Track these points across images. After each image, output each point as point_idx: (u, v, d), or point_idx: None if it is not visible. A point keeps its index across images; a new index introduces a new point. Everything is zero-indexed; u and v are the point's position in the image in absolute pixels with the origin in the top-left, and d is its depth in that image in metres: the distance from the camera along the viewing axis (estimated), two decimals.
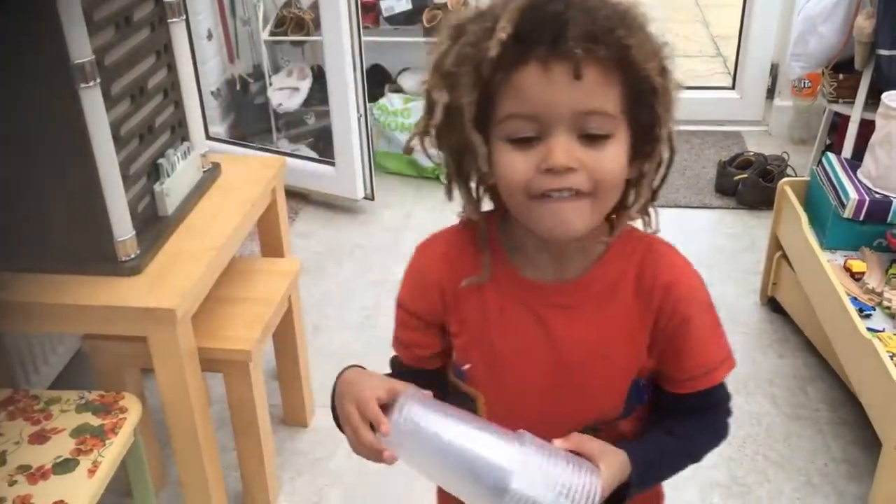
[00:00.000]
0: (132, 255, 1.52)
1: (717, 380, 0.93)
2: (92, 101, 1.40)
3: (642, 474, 0.87)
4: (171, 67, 1.73)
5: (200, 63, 3.21)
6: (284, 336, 1.97)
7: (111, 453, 1.41)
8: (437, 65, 0.83)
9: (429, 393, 0.86)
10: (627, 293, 0.88)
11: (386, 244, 2.92)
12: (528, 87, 0.78)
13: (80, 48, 1.37)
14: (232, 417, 1.76)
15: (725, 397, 0.97)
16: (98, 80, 1.40)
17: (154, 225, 1.63)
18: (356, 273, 2.76)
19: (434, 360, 0.98)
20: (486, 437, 0.82)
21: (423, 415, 0.82)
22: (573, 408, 0.91)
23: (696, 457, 0.96)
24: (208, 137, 3.21)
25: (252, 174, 1.90)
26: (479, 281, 0.90)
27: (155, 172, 1.66)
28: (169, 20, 1.70)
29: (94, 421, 1.47)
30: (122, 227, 1.50)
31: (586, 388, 0.90)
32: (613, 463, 0.85)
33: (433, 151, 0.88)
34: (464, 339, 0.93)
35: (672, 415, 0.94)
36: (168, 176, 1.67)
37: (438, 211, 3.12)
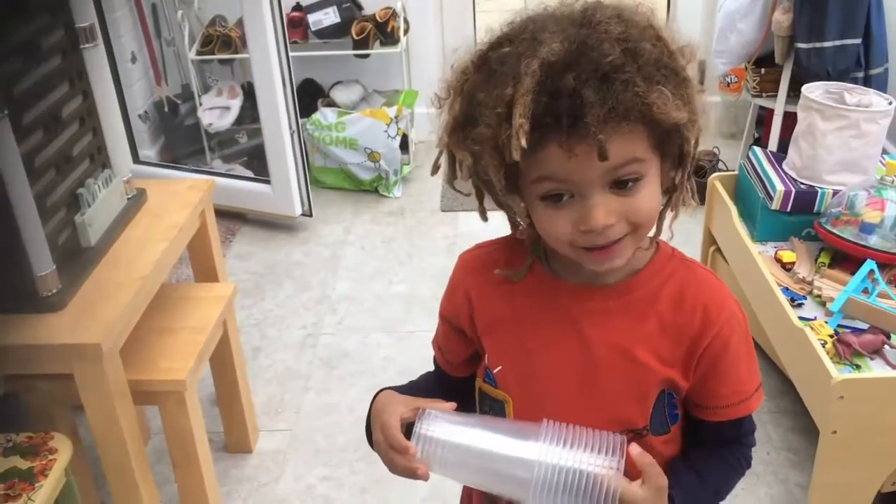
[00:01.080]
0: (53, 290, 1.47)
1: (750, 410, 0.92)
2: (1, 132, 1.35)
3: None
4: (87, 94, 1.69)
5: (126, 87, 3.14)
6: (222, 361, 1.93)
7: (41, 496, 1.36)
8: (453, 129, 0.82)
9: (451, 405, 0.89)
10: (665, 306, 0.88)
11: (326, 260, 2.89)
12: (552, 163, 0.77)
13: None
14: (170, 449, 1.72)
15: (752, 429, 0.96)
16: (6, 112, 1.35)
17: (76, 257, 1.58)
18: (296, 291, 2.72)
19: (462, 368, 1.01)
20: (502, 437, 0.85)
21: (440, 426, 0.86)
22: (600, 412, 0.89)
23: (721, 494, 0.95)
24: (138, 161, 3.15)
25: (179, 198, 1.86)
26: (511, 276, 0.91)
27: (75, 203, 1.62)
28: (82, 46, 1.65)
29: (23, 464, 1.42)
30: (42, 261, 1.46)
31: (613, 391, 0.89)
32: (653, 484, 0.83)
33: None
34: (495, 339, 0.94)
35: (702, 446, 0.94)
36: (89, 206, 1.62)
37: (378, 223, 3.11)
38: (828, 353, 1.69)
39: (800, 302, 1.92)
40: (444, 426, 0.86)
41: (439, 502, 1.86)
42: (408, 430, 0.87)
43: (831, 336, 1.77)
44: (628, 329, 0.88)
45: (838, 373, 1.62)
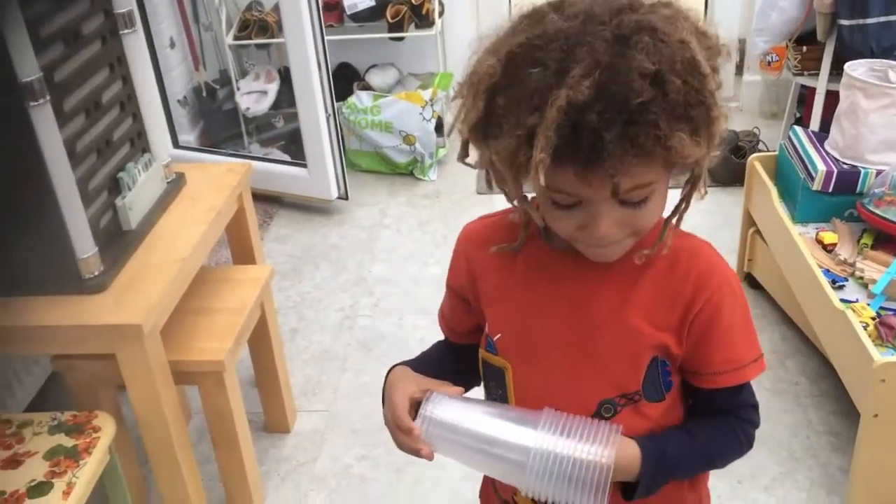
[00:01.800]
0: (96, 273, 1.50)
1: (745, 378, 0.92)
2: (43, 118, 1.38)
3: (654, 467, 0.88)
4: (127, 79, 1.71)
5: (165, 72, 3.18)
6: (260, 343, 1.96)
7: (86, 474, 1.40)
8: (473, 125, 0.81)
9: (459, 390, 0.93)
10: (659, 273, 0.90)
11: (362, 243, 2.91)
12: (567, 184, 0.78)
13: (27, 65, 1.34)
14: (210, 429, 1.75)
15: (752, 403, 0.96)
16: (48, 97, 1.37)
17: (118, 240, 1.61)
18: (333, 274, 2.74)
19: (467, 338, 1.03)
20: (503, 423, 0.89)
21: (445, 409, 0.90)
22: (594, 375, 0.91)
23: (713, 460, 0.96)
24: (177, 146, 3.19)
25: (217, 182, 1.88)
26: (509, 248, 0.94)
27: (116, 187, 1.64)
28: (121, 31, 1.67)
29: (68, 442, 1.46)
30: (84, 244, 1.48)
31: (607, 354, 0.91)
32: (623, 450, 0.86)
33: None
34: (495, 308, 0.97)
35: (696, 414, 0.95)
36: (129, 189, 1.65)
37: (413, 206, 3.12)
38: (869, 336, 1.67)
39: (841, 284, 1.89)
40: (448, 410, 0.90)
41: (473, 481, 1.87)
42: (417, 408, 0.91)
43: (873, 318, 1.74)
44: (622, 294, 0.90)
45: (880, 356, 1.59)
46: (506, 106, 0.77)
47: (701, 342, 0.90)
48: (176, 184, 1.83)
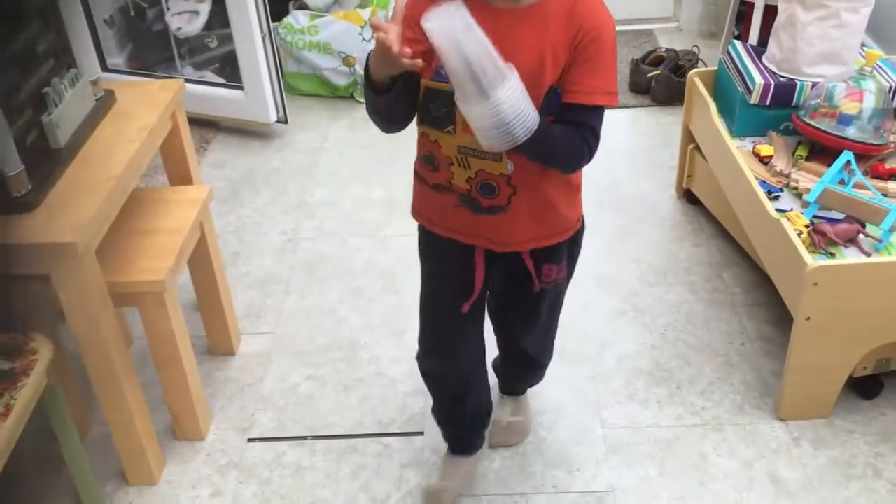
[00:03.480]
0: (23, 191, 1.45)
1: (594, 101, 1.24)
2: None
3: (540, 127, 1.19)
4: None
5: None
6: (201, 266, 1.93)
7: (24, 396, 1.37)
8: None
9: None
10: (559, 22, 1.22)
11: (303, 166, 2.86)
12: None
13: None
14: (152, 351, 1.72)
15: (595, 127, 1.27)
16: None
17: (46, 158, 1.55)
18: (273, 197, 2.70)
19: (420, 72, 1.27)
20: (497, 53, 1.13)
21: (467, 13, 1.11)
22: None
23: (565, 154, 1.28)
24: (106, 69, 3.07)
25: (150, 99, 1.82)
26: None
27: (41, 103, 1.57)
28: None
29: (4, 364, 1.42)
30: (9, 160, 1.43)
31: (522, 78, 1.16)
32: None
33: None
34: None
35: (558, 120, 1.27)
36: (56, 106, 1.58)
37: (355, 129, 3.07)
38: (803, 243, 1.71)
39: (777, 194, 1.93)
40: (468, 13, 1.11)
41: (422, 396, 1.89)
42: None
43: (807, 226, 1.79)
44: (533, 38, 1.22)
45: (813, 261, 1.64)
46: None
47: (571, 66, 1.23)
48: (106, 101, 1.76)
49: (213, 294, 1.97)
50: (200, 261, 1.91)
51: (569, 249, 1.50)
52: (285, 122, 3.01)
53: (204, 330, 2.06)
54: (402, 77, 1.25)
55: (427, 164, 1.40)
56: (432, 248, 1.51)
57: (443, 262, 1.50)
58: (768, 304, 2.12)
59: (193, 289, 2.01)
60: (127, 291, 1.62)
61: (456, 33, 1.10)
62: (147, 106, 1.79)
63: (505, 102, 1.13)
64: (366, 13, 3.14)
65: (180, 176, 1.99)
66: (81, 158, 1.61)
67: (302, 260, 2.39)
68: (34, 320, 1.67)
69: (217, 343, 2.06)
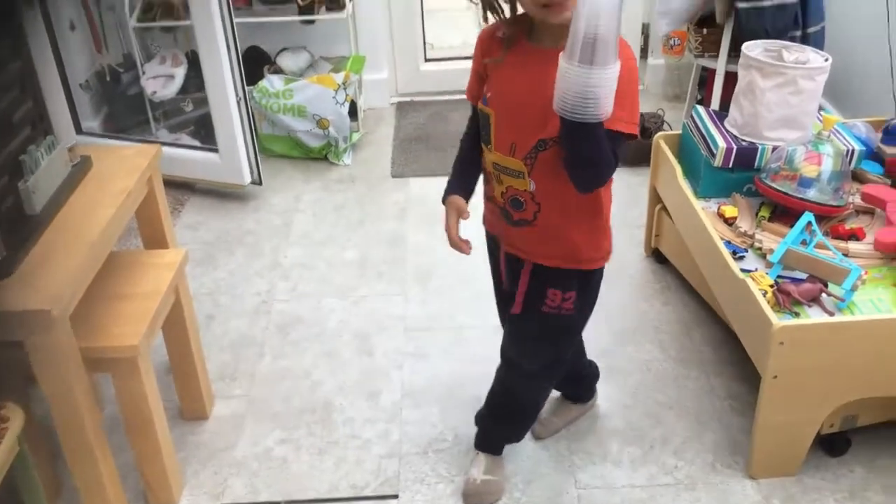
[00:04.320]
0: None
1: (615, 128, 1.34)
2: None
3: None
4: (27, 60, 1.65)
5: (66, 55, 3.06)
6: (175, 329, 1.93)
7: None
8: None
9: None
10: None
11: (277, 228, 2.88)
12: None
13: None
14: (124, 417, 1.71)
15: (616, 151, 1.37)
16: None
17: (22, 224, 1.56)
18: (248, 259, 2.71)
19: (478, 99, 1.53)
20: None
21: None
22: (539, 123, 1.40)
23: (601, 156, 1.35)
24: (80, 133, 3.09)
25: (125, 164, 1.84)
26: (499, 61, 1.47)
27: (18, 170, 1.59)
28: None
29: None
30: None
31: (550, 113, 1.31)
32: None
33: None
34: (491, 78, 1.49)
35: None
36: (32, 172, 1.60)
37: (328, 191, 3.11)
38: (769, 302, 1.75)
39: (741, 255, 1.99)
40: None
41: (396, 458, 1.89)
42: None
43: (772, 286, 1.84)
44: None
45: (779, 320, 1.68)
46: None
47: None
48: (82, 167, 1.78)
49: (186, 357, 1.97)
50: (175, 324, 1.91)
51: (579, 284, 1.60)
52: (259, 183, 3.04)
53: (176, 393, 2.05)
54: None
55: (484, 177, 1.61)
56: (489, 247, 1.75)
57: (493, 258, 1.75)
58: (736, 361, 2.16)
59: (167, 352, 2.00)
60: (100, 357, 1.61)
61: (601, 5, 1.19)
62: (123, 171, 1.81)
63: (602, 79, 1.22)
64: (339, 77, 3.21)
65: (155, 239, 2.00)
66: (57, 224, 1.62)
67: (276, 322, 2.39)
68: (5, 385, 1.66)
69: (190, 407, 2.05)
